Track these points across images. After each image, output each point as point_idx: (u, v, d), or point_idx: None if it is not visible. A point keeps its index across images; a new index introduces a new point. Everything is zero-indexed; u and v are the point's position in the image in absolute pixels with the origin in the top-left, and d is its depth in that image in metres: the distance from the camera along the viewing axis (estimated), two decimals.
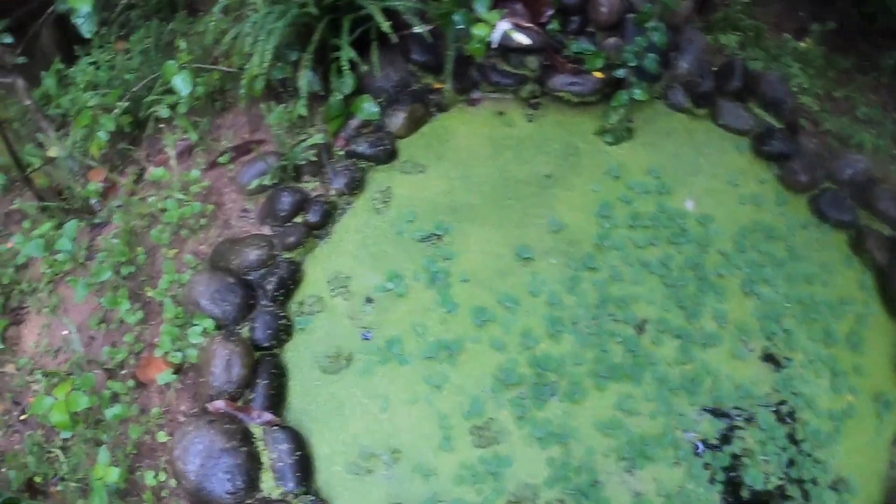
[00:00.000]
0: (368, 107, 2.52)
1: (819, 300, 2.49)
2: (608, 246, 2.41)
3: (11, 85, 2.69)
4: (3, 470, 2.43)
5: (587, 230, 2.45)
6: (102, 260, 2.46)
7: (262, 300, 2.25)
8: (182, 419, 2.18)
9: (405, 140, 2.61)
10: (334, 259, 2.35)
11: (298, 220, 2.39)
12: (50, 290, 2.56)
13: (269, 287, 2.24)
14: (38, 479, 2.26)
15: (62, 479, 2.25)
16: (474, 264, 2.35)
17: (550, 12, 2.65)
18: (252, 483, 1.98)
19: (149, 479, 2.12)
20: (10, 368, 2.54)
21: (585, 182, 2.57)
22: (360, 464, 2.03)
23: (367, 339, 2.22)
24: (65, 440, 2.31)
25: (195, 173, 2.55)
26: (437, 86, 2.67)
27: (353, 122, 2.57)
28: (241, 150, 2.61)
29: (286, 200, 2.38)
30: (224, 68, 2.65)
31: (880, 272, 2.60)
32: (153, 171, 2.57)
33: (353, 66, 2.49)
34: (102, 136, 2.62)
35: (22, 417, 2.44)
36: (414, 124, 2.61)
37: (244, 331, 2.20)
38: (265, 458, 2.02)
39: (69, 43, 3.24)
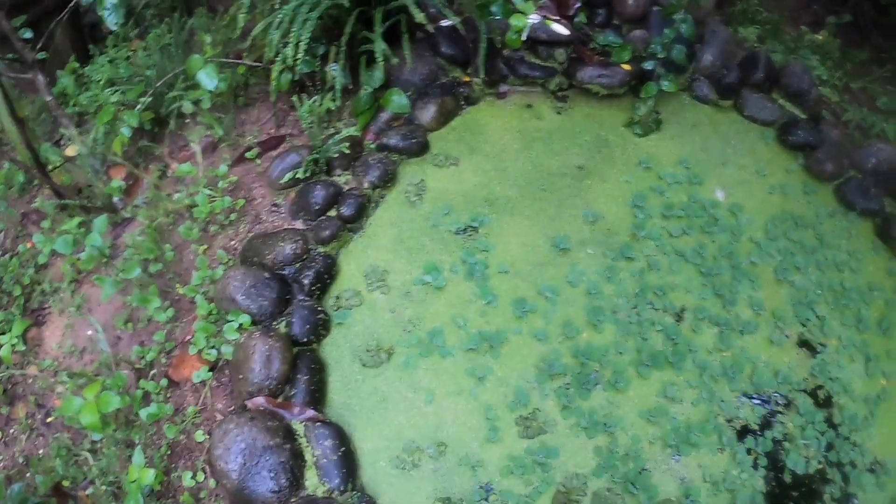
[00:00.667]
0: (398, 100, 2.52)
1: (849, 287, 2.54)
2: (643, 236, 2.44)
3: (31, 81, 2.65)
4: (29, 475, 2.39)
5: (622, 220, 2.48)
6: (129, 257, 2.43)
7: (298, 295, 2.23)
8: (219, 417, 2.15)
9: (436, 133, 2.63)
10: (370, 252, 2.34)
11: (332, 213, 2.37)
12: (72, 289, 2.52)
13: (306, 281, 2.23)
14: (65, 483, 2.22)
15: (92, 482, 2.22)
16: (512, 256, 2.35)
17: (578, 5, 2.69)
18: (296, 481, 1.96)
19: (186, 479, 2.08)
20: (32, 370, 2.49)
21: (618, 173, 2.60)
22: (405, 458, 2.02)
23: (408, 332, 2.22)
24: (93, 442, 2.27)
25: (222, 169, 2.52)
26: (466, 79, 2.68)
27: (384, 116, 2.58)
28: (269, 144, 2.60)
29: (319, 194, 2.36)
30: (249, 62, 2.65)
31: None
32: (178, 167, 2.55)
33: (384, 58, 2.49)
34: (126, 132, 2.59)
35: (48, 420, 2.41)
36: (444, 117, 2.63)
37: (281, 326, 2.18)
38: (308, 455, 2.00)
39: (84, 42, 3.23)
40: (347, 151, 2.42)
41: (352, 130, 2.39)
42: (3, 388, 2.40)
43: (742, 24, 3.07)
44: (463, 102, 2.69)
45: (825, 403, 2.30)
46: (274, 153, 2.56)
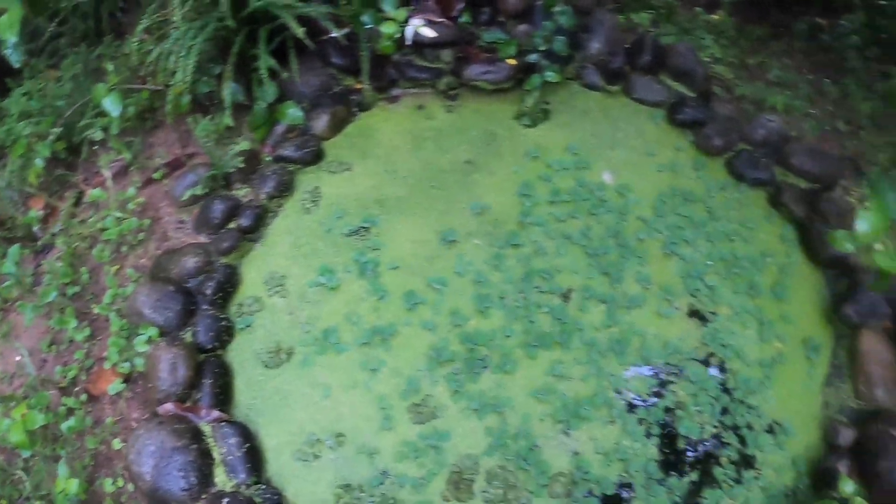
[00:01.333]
0: (292, 112, 2.72)
1: (741, 256, 2.72)
2: (530, 223, 2.63)
3: None
4: None
5: (509, 210, 2.66)
6: (48, 283, 2.63)
7: (202, 305, 2.42)
8: (135, 426, 2.36)
9: (330, 141, 2.82)
10: (269, 260, 2.53)
11: (232, 225, 2.57)
12: (0, 318, 2.74)
13: (209, 292, 2.42)
14: (3, 502, 2.43)
15: (27, 498, 2.42)
16: (402, 252, 2.55)
17: (461, 6, 2.87)
18: (205, 478, 2.15)
19: (108, 486, 2.28)
20: None
21: (506, 165, 2.79)
22: (307, 450, 2.21)
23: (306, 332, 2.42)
24: (26, 460, 2.47)
25: (131, 191, 2.72)
26: (357, 86, 2.87)
27: (280, 129, 2.77)
28: (174, 164, 2.80)
29: (218, 208, 2.57)
30: (151, 87, 2.84)
31: (799, 224, 2.84)
32: (91, 193, 2.75)
33: (274, 74, 2.69)
34: (39, 163, 2.80)
35: None
36: (338, 125, 2.82)
37: (188, 335, 2.38)
38: (216, 453, 2.19)
39: (1, 75, 3.44)
40: (243, 165, 2.61)
41: (245, 145, 2.58)
42: None
43: (635, 11, 3.25)
44: (356, 109, 2.88)
45: (718, 370, 2.48)
46: (179, 172, 2.75)
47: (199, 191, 2.56)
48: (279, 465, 2.19)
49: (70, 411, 2.45)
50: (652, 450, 2.30)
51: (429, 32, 2.61)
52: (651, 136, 2.96)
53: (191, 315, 2.41)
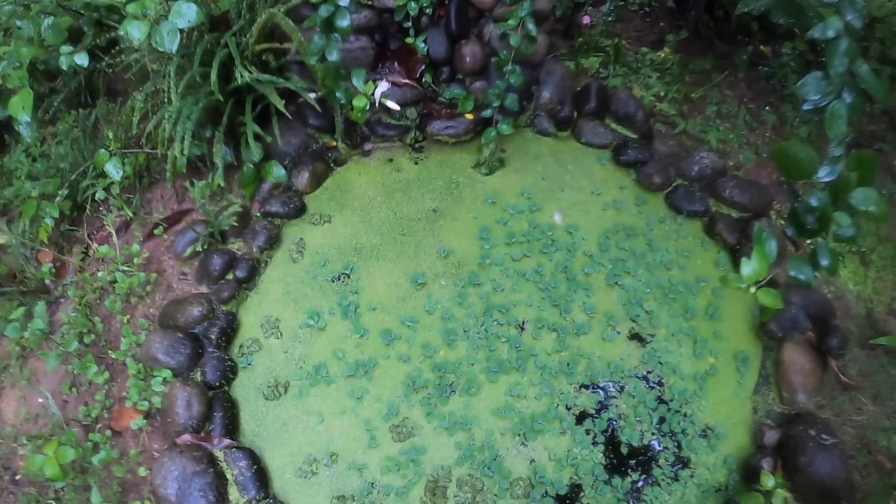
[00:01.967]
0: (276, 171, 3.50)
1: (677, 282, 3.52)
2: (489, 263, 3.45)
3: None
4: None
5: (471, 252, 3.49)
6: (66, 332, 3.37)
7: (208, 348, 3.20)
8: (156, 455, 3.11)
9: (311, 195, 3.64)
10: (264, 306, 3.33)
11: (229, 277, 3.36)
12: (20, 365, 3.46)
13: (213, 336, 3.20)
14: None
15: None
16: (378, 294, 3.36)
17: (423, 67, 3.66)
18: (222, 497, 2.92)
19: None
20: None
21: (467, 211, 3.62)
22: (306, 469, 2.99)
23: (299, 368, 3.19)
24: (56, 491, 3.22)
25: (136, 247, 3.48)
26: (333, 144, 3.69)
27: (266, 186, 3.57)
28: (172, 220, 3.56)
29: (217, 262, 3.34)
30: (148, 150, 3.57)
31: (732, 250, 3.64)
32: (99, 249, 3.49)
33: (259, 137, 3.48)
34: (49, 222, 3.54)
35: (17, 477, 3.34)
36: (317, 180, 3.64)
37: (197, 375, 3.15)
38: (229, 474, 2.96)
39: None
40: (237, 223, 3.40)
41: (237, 206, 3.37)
42: None
43: (585, 56, 4.01)
44: (333, 164, 3.71)
45: (656, 384, 3.26)
46: (178, 227, 3.51)
47: (199, 247, 3.35)
48: (283, 482, 2.97)
49: (96, 446, 3.20)
50: (598, 455, 3.08)
51: (394, 105, 3.39)
52: (598, 176, 3.80)
53: (199, 357, 3.18)
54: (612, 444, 3.12)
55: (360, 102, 3.25)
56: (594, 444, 3.10)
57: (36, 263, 3.67)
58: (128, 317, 3.40)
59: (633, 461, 3.08)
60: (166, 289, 3.45)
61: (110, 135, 3.60)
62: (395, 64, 3.70)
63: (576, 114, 3.92)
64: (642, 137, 3.92)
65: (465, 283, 3.39)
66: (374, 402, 3.11)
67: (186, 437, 3.06)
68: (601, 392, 3.22)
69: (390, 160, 3.78)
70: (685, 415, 3.22)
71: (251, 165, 3.47)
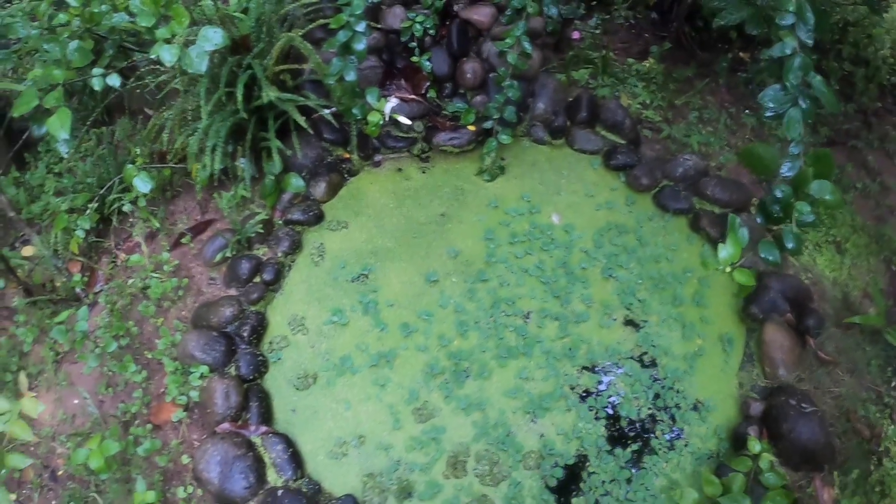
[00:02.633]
0: (296, 182, 4.08)
1: (666, 273, 4.09)
2: (495, 261, 4.03)
3: None
4: None
5: (478, 252, 4.07)
6: (101, 335, 3.92)
7: (240, 345, 3.72)
8: (196, 444, 3.66)
9: (328, 204, 4.23)
10: (290, 306, 3.87)
11: (257, 279, 3.90)
12: (55, 369, 4.02)
13: (245, 334, 3.72)
14: None
15: None
16: (395, 292, 3.92)
17: (427, 83, 4.30)
18: (261, 478, 3.39)
19: (180, 493, 3.53)
20: (33, 439, 3.97)
21: (472, 215, 4.20)
22: (336, 451, 3.48)
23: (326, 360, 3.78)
24: (97, 485, 3.76)
25: (165, 255, 4.02)
26: (346, 156, 4.26)
27: (286, 196, 4.12)
28: (198, 229, 4.11)
29: (245, 266, 3.88)
30: (173, 165, 4.17)
31: (715, 243, 4.25)
32: (129, 258, 4.04)
33: (279, 151, 4.04)
34: (80, 234, 4.06)
35: (58, 474, 3.88)
36: (333, 190, 4.22)
37: (232, 370, 3.67)
38: (266, 458, 3.44)
39: (19, 150, 4.69)
40: (262, 231, 3.95)
41: (262, 215, 3.92)
42: None
43: (575, 69, 4.69)
44: (347, 175, 4.30)
45: (650, 365, 3.85)
46: (203, 236, 4.07)
47: (228, 253, 3.88)
48: (316, 464, 3.47)
49: (137, 439, 3.74)
50: (601, 429, 3.60)
51: (405, 120, 4.04)
52: (590, 179, 4.41)
53: (232, 354, 3.70)
54: (613, 418, 3.63)
55: (374, 118, 3.87)
56: (597, 418, 3.61)
57: (66, 273, 4.23)
58: (161, 320, 3.92)
59: (633, 433, 3.61)
60: (196, 293, 3.98)
61: (137, 151, 4.19)
62: (402, 81, 4.31)
63: (569, 123, 4.55)
64: (630, 143, 4.54)
65: (474, 280, 3.97)
66: (397, 388, 3.64)
67: (226, 426, 3.56)
68: (601, 373, 3.77)
69: (399, 170, 4.38)
70: (678, 391, 3.74)
71: (272, 177, 4.02)
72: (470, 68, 4.34)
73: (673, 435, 3.62)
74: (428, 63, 4.40)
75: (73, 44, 3.90)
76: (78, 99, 4.58)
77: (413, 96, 4.28)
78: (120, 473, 3.63)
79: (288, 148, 4.03)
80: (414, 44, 4.41)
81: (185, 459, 3.59)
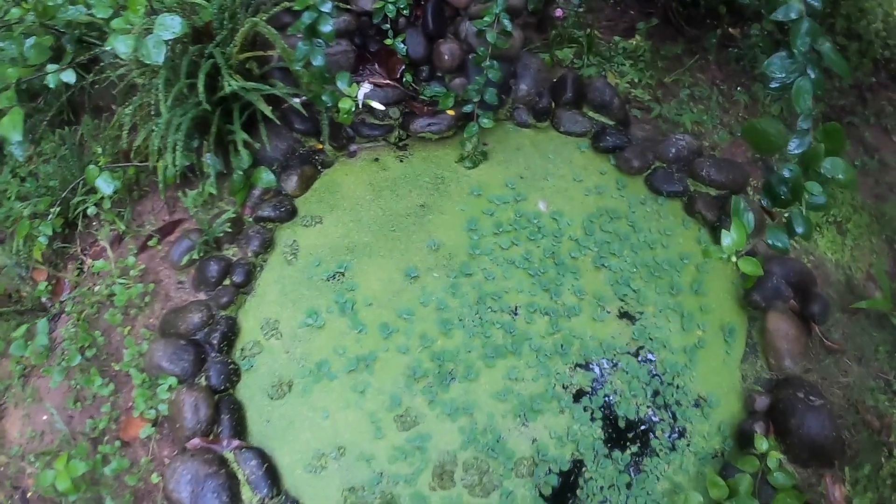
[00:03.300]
0: (266, 176, 3.66)
1: (661, 260, 3.73)
2: (479, 253, 3.64)
3: None
4: None
5: (460, 244, 3.67)
6: (67, 348, 3.50)
7: (210, 353, 3.34)
8: (167, 461, 3.25)
9: (301, 198, 3.80)
10: (262, 308, 3.48)
11: (227, 282, 3.51)
12: (22, 384, 3.58)
13: (214, 341, 3.34)
14: None
15: None
16: (374, 290, 3.53)
17: (402, 67, 3.85)
18: (235, 497, 3.06)
19: None
20: (2, 459, 3.55)
21: (454, 204, 3.80)
22: (315, 464, 3.14)
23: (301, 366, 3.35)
24: None
25: (131, 259, 3.62)
26: (319, 147, 3.86)
27: (256, 192, 3.73)
28: (165, 231, 3.71)
29: (214, 268, 3.49)
30: (137, 164, 3.71)
31: (712, 226, 3.86)
32: (94, 264, 3.63)
33: (247, 144, 3.63)
34: (42, 240, 3.67)
35: (28, 495, 3.46)
36: (306, 183, 3.81)
37: (202, 380, 3.29)
38: (241, 475, 3.09)
39: None
40: (231, 230, 3.56)
41: (231, 213, 3.53)
42: None
43: (559, 48, 4.22)
44: (320, 167, 3.88)
45: (647, 360, 3.46)
46: (171, 238, 3.67)
47: (195, 255, 3.50)
48: (294, 479, 3.12)
49: (106, 457, 3.33)
50: (597, 431, 3.26)
51: (378, 106, 3.57)
52: (578, 163, 4.01)
53: (202, 363, 3.32)
54: (609, 419, 3.30)
55: (345, 105, 3.42)
56: (592, 420, 3.28)
57: (31, 282, 3.80)
58: (128, 328, 3.53)
59: (631, 434, 3.28)
60: (164, 298, 3.58)
61: (99, 150, 3.74)
62: (376, 65, 3.89)
63: (553, 104, 4.14)
64: (619, 124, 4.14)
65: (457, 274, 3.57)
66: (377, 394, 3.27)
67: (196, 441, 3.19)
68: (595, 370, 3.41)
69: (376, 159, 3.96)
70: (678, 387, 3.41)
71: (241, 172, 3.62)
72: (447, 49, 3.92)
73: (674, 434, 3.21)
74: (402, 45, 3.96)
75: (30, 40, 3.45)
76: (43, 98, 4.13)
77: (388, 81, 3.85)
78: (90, 493, 3.26)
79: (256, 140, 3.63)
80: (387, 25, 3.97)
81: (154, 478, 3.22)
